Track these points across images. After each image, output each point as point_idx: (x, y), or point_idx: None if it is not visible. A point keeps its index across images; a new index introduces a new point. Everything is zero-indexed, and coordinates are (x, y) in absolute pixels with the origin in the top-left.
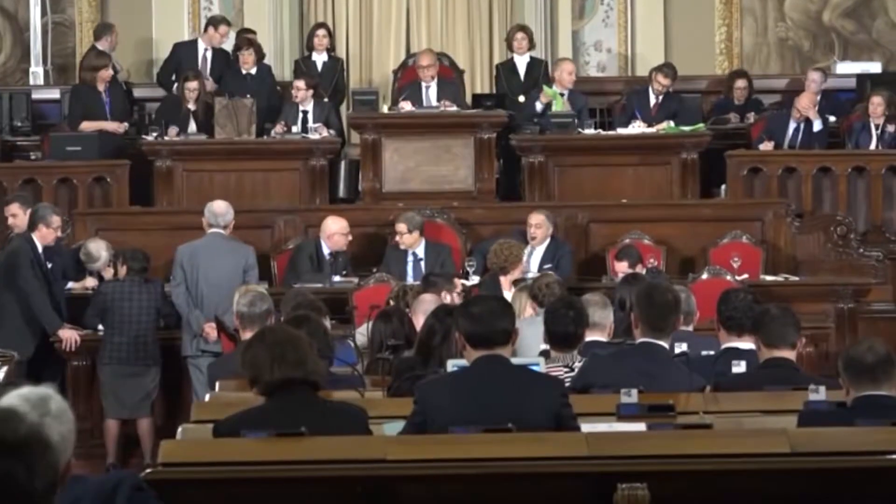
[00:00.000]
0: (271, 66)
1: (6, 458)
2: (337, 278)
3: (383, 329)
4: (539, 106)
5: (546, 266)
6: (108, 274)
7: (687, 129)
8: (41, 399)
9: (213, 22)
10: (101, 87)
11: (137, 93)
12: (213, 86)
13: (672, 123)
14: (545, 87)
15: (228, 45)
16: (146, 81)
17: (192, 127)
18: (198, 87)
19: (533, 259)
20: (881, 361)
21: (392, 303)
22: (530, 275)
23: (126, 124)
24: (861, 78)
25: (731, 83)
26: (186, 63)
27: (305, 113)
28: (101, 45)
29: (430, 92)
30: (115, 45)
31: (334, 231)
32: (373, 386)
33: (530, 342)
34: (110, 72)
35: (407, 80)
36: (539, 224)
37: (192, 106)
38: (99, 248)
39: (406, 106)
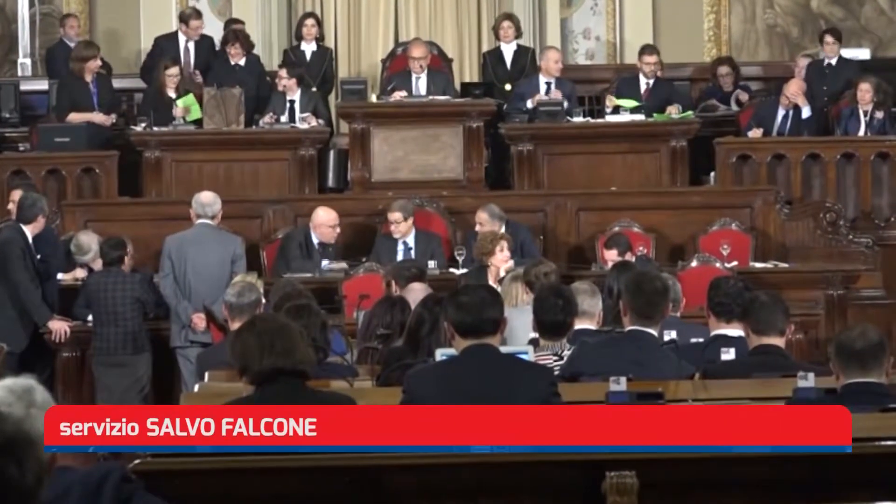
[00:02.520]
0: (260, 56)
1: None
2: (325, 262)
3: (381, 315)
4: (530, 104)
5: (514, 257)
6: (98, 265)
7: (676, 116)
8: (26, 391)
9: (184, 18)
10: (88, 78)
11: (125, 83)
12: (199, 78)
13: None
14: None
15: (214, 34)
16: (135, 72)
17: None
18: (178, 72)
19: None
20: (871, 348)
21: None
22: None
23: (114, 116)
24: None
25: (714, 70)
26: (168, 55)
27: (292, 102)
28: (65, 37)
29: (420, 82)
30: (79, 34)
31: (322, 222)
32: (368, 375)
33: (519, 331)
34: (98, 62)
35: (395, 69)
36: (482, 222)
37: (173, 94)
38: (90, 241)
39: (398, 96)
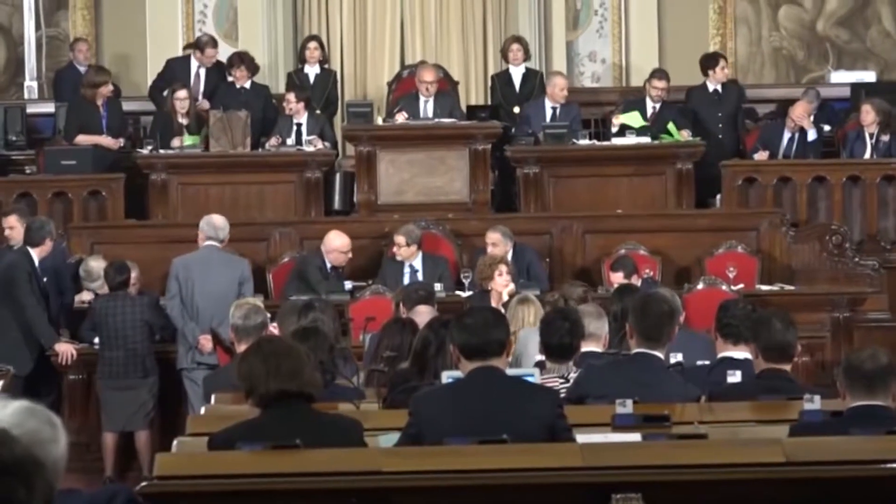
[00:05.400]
0: (266, 80)
1: (5, 479)
2: (348, 284)
3: (391, 337)
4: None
5: (520, 280)
6: (105, 291)
7: (685, 139)
8: (46, 415)
9: (199, 45)
10: (99, 102)
11: (133, 106)
12: (205, 104)
13: (672, 124)
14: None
15: (222, 58)
16: (142, 95)
17: (187, 140)
18: (187, 96)
19: None
20: (879, 371)
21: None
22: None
23: (122, 140)
24: (855, 87)
25: None
26: (179, 78)
27: (299, 126)
28: (75, 60)
29: (428, 105)
30: (88, 58)
31: (336, 248)
32: (374, 398)
33: (530, 353)
34: (109, 88)
35: (402, 91)
36: (495, 242)
37: (183, 120)
38: (100, 269)
39: (400, 118)
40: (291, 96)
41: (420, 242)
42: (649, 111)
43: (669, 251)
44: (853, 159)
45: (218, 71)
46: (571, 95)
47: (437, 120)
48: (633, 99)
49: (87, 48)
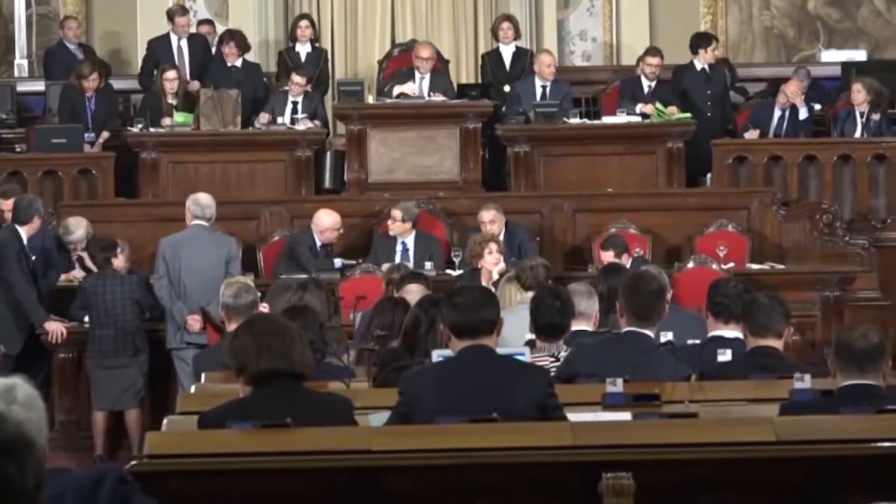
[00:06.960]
0: (256, 58)
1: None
2: (338, 261)
3: (382, 316)
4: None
5: (511, 258)
6: (89, 261)
7: (673, 117)
8: (7, 389)
9: (170, 15)
10: (88, 94)
11: (122, 85)
12: (195, 85)
13: (659, 104)
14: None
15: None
16: (131, 74)
17: (179, 118)
18: (177, 76)
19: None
20: (871, 350)
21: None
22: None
23: (106, 134)
24: (846, 66)
25: None
26: (162, 57)
27: (295, 104)
28: (64, 38)
29: (424, 82)
30: (78, 36)
31: (328, 226)
32: (365, 376)
33: (516, 331)
34: (94, 82)
35: (393, 69)
36: (493, 219)
37: (172, 101)
38: (78, 224)
39: (404, 89)
40: (301, 79)
41: (416, 222)
42: (645, 89)
43: (660, 230)
44: (844, 138)
45: (200, 43)
46: (562, 74)
47: (427, 98)
48: (628, 78)
49: (77, 26)
